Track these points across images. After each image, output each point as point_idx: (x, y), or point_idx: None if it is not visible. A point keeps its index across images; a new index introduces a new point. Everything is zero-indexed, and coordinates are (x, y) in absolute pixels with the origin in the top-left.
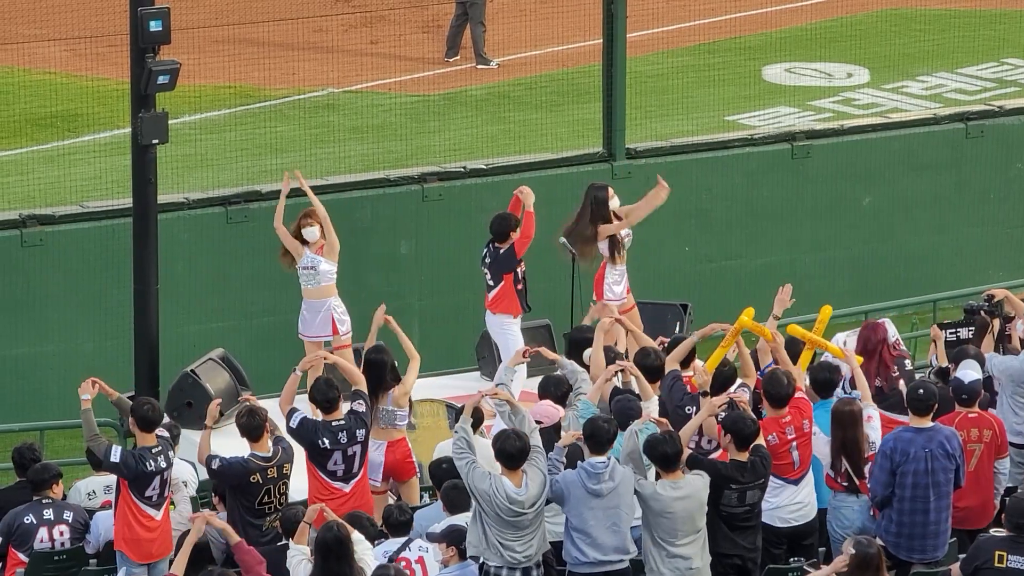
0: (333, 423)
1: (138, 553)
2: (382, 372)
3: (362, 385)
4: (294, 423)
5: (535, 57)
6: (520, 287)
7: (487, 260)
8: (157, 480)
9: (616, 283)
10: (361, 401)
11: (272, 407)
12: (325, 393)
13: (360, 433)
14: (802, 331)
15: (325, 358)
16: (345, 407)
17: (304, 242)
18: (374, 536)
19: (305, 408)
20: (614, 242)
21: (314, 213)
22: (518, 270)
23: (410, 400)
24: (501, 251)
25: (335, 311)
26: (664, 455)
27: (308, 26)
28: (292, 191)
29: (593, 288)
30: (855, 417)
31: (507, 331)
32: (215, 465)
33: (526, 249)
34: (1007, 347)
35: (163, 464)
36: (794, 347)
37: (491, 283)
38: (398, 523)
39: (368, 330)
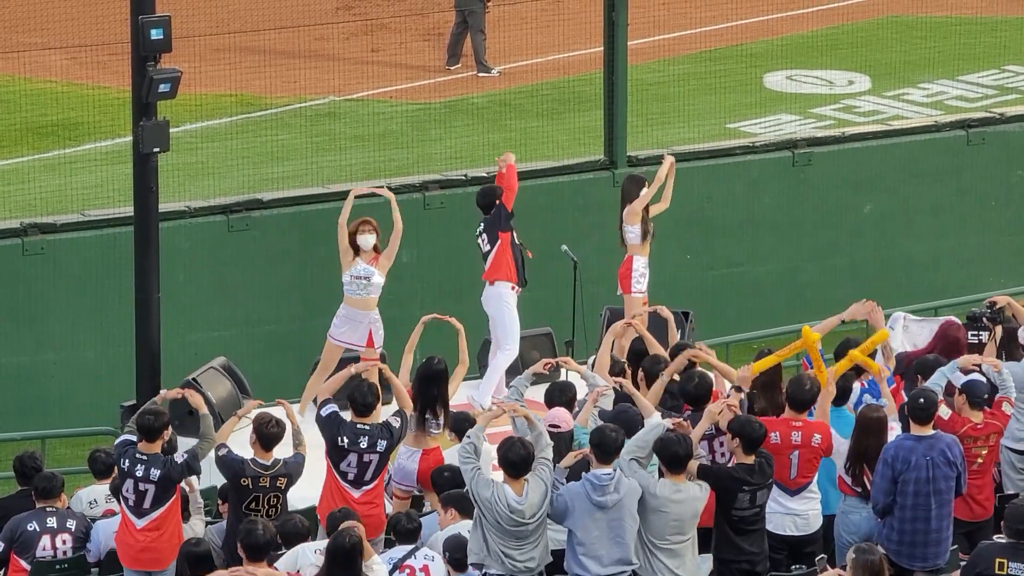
0: (358, 426)
1: (122, 555)
2: (441, 383)
3: (408, 408)
4: (324, 412)
5: (536, 65)
6: (518, 258)
7: (481, 229)
8: (130, 484)
9: (643, 276)
10: (399, 418)
11: (267, 414)
12: (364, 397)
13: (381, 444)
14: (862, 357)
15: (382, 371)
16: (380, 416)
17: (356, 249)
18: (411, 532)
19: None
20: (645, 226)
21: (371, 221)
22: (514, 235)
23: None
24: (492, 213)
25: (374, 324)
26: (675, 455)
27: (309, 34)
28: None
29: (619, 282)
30: (882, 425)
31: (504, 303)
32: (222, 453)
33: (513, 200)
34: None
35: (139, 473)
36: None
37: (487, 247)
38: (406, 530)
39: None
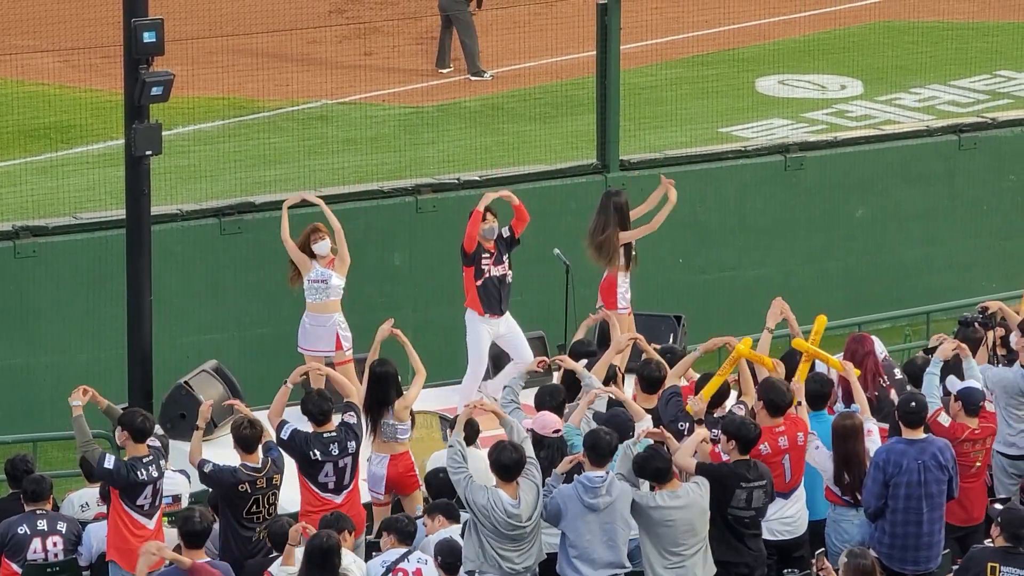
0: (324, 435)
1: (130, 563)
2: (387, 385)
3: (354, 398)
4: (285, 435)
5: (529, 69)
6: (486, 286)
7: None
8: (149, 489)
9: (627, 291)
10: (352, 413)
11: (262, 418)
12: (319, 405)
13: (351, 445)
14: (806, 345)
15: (318, 370)
16: (336, 419)
17: (312, 255)
18: (411, 534)
19: (294, 421)
20: (628, 250)
21: (324, 227)
22: (484, 268)
23: (412, 413)
24: None
25: (339, 327)
26: (657, 470)
27: (302, 38)
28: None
29: (600, 297)
30: (856, 431)
31: (469, 327)
32: (207, 469)
33: (471, 246)
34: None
35: (155, 474)
36: (791, 360)
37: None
38: (407, 532)
39: (368, 341)
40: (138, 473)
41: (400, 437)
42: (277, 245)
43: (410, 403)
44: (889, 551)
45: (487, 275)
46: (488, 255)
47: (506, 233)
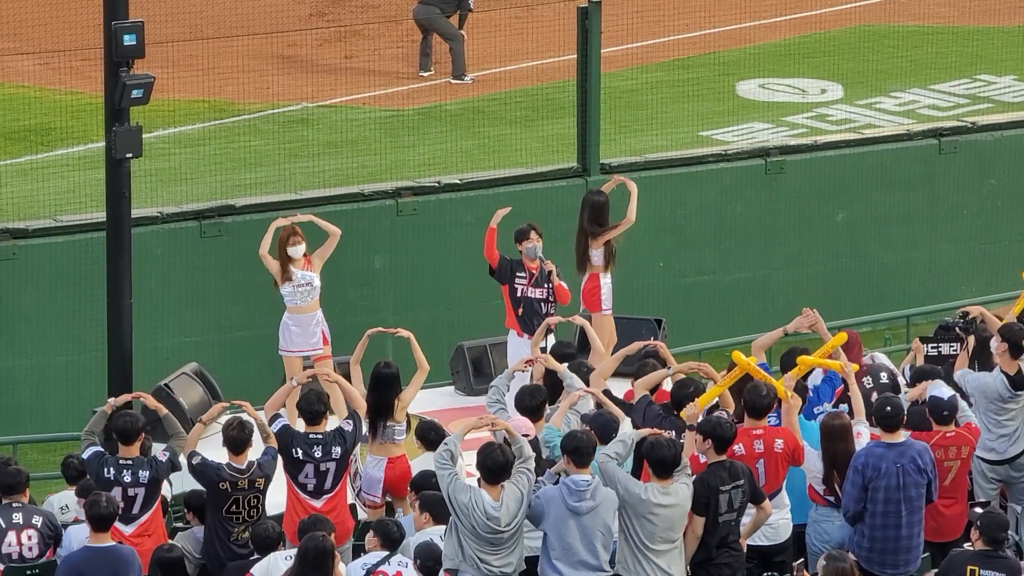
0: (310, 435)
1: None
2: (390, 388)
3: (361, 409)
4: (275, 428)
5: (509, 72)
6: (523, 307)
7: None
8: (117, 491)
9: (610, 293)
10: (351, 421)
11: (232, 418)
12: (312, 404)
13: (336, 451)
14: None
15: (327, 376)
16: (333, 423)
17: (288, 259)
18: (396, 542)
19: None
20: (609, 250)
21: (300, 231)
22: (517, 287)
23: (407, 415)
24: None
25: (322, 323)
26: (663, 459)
27: (282, 40)
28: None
29: (583, 300)
30: (845, 431)
31: (509, 348)
32: (195, 461)
33: (492, 260)
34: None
35: (127, 478)
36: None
37: None
38: (397, 539)
39: (349, 344)
40: (106, 470)
41: (397, 439)
42: (257, 248)
43: (407, 402)
44: (868, 554)
45: (523, 296)
46: (524, 276)
47: (548, 268)
